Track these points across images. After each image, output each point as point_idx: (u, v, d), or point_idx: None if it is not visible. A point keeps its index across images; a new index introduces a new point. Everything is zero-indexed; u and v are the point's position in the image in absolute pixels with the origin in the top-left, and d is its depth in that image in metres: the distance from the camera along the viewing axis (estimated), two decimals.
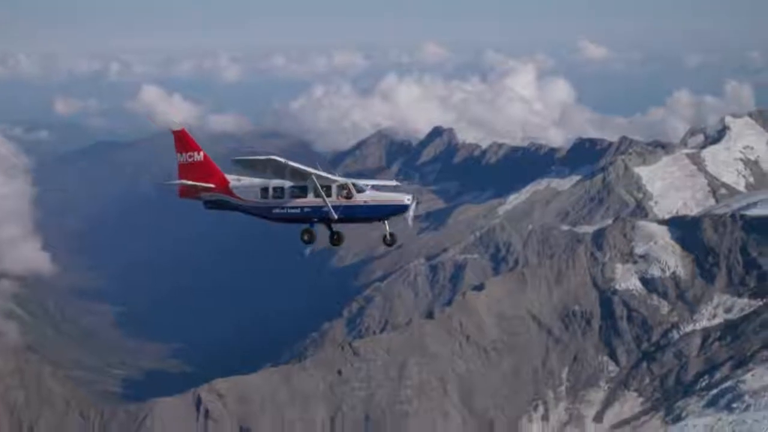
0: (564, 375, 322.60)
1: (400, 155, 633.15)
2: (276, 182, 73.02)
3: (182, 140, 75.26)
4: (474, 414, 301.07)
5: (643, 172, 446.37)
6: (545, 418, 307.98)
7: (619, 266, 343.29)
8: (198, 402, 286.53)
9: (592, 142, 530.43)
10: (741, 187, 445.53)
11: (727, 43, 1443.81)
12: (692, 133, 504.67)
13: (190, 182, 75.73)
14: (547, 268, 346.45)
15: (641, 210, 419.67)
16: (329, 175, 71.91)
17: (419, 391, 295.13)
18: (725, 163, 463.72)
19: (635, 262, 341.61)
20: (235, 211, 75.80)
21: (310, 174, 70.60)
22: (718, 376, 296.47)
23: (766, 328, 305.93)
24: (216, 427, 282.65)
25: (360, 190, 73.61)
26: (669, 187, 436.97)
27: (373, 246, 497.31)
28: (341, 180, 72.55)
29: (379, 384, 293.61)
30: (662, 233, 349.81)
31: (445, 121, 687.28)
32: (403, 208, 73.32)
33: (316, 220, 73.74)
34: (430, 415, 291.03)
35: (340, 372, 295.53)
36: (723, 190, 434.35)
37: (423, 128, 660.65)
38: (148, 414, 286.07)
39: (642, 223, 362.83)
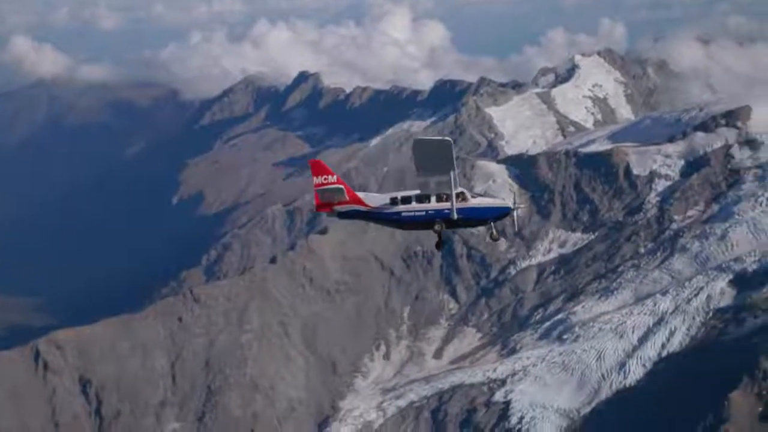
0: (406, 314, 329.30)
1: (268, 101, 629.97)
2: (403, 193, 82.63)
3: (318, 167, 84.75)
4: (317, 355, 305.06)
5: (494, 112, 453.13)
6: (387, 356, 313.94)
7: None
8: (37, 354, 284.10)
9: (453, 83, 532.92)
10: (589, 125, 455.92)
11: None
12: (543, 72, 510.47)
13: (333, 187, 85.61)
14: None
15: (492, 149, 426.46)
16: (456, 180, 78.95)
17: (260, 335, 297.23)
18: (574, 101, 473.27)
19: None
20: (364, 218, 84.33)
21: (455, 169, 77.88)
22: (551, 309, 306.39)
23: (597, 261, 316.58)
24: (55, 378, 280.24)
25: (473, 197, 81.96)
26: (519, 127, 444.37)
27: (240, 193, 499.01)
28: (458, 189, 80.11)
29: (219, 330, 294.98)
30: (500, 172, 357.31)
31: (317, 67, 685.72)
32: (507, 211, 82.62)
33: (438, 220, 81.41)
34: (271, 359, 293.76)
35: (180, 319, 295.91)
36: (571, 128, 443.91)
37: (292, 74, 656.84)
38: None
39: (481, 162, 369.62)
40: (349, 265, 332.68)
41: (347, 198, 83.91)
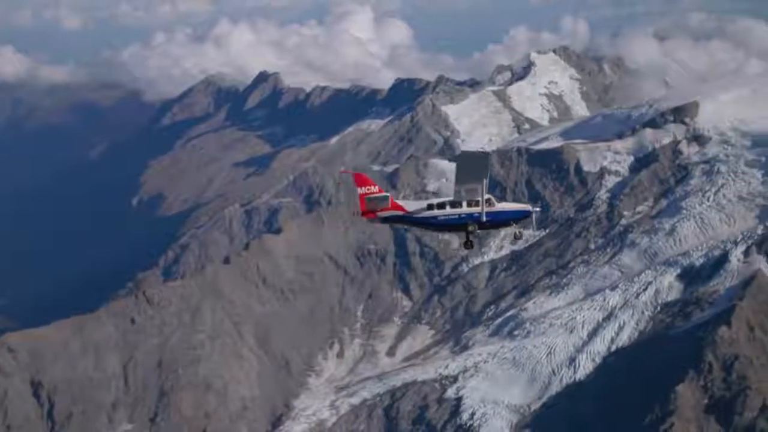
0: (359, 312, 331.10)
1: (228, 101, 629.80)
2: (438, 200, 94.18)
3: (362, 179, 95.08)
4: (270, 355, 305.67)
5: (450, 110, 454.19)
6: (340, 355, 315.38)
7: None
8: None
9: (411, 82, 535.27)
10: (545, 122, 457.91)
11: None
12: (500, 70, 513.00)
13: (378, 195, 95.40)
14: (344, 208, 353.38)
15: (449, 147, 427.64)
16: (486, 187, 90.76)
17: (213, 335, 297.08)
18: (530, 98, 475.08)
19: (427, 199, 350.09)
20: (404, 223, 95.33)
21: (487, 177, 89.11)
22: (503, 305, 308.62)
23: (548, 257, 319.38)
24: (7, 381, 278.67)
25: (498, 202, 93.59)
26: (476, 124, 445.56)
27: (200, 193, 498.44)
28: (487, 195, 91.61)
29: (172, 330, 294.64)
30: (452, 169, 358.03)
31: (280, 66, 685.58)
32: (528, 213, 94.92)
33: (470, 222, 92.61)
34: (224, 358, 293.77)
35: (133, 320, 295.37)
36: (527, 125, 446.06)
37: (254, 74, 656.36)
38: None
39: (433, 160, 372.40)
40: (302, 265, 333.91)
41: (389, 205, 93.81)
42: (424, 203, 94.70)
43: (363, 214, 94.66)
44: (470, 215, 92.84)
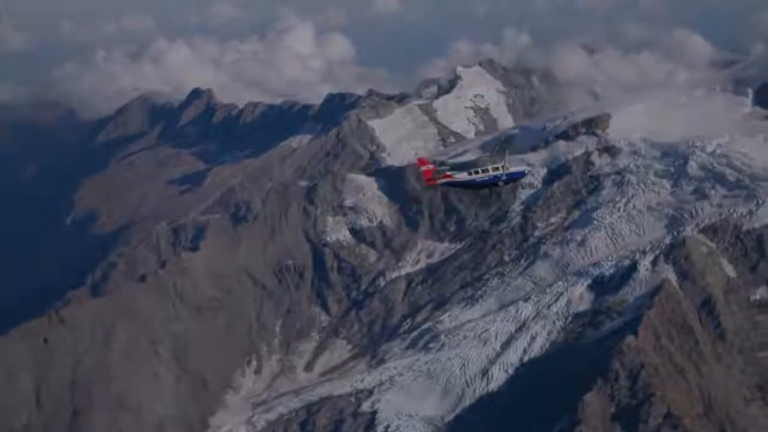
0: (277, 328, 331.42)
1: (162, 119, 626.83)
2: (474, 168, 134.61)
3: (423, 161, 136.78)
4: (187, 372, 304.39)
5: (376, 124, 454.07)
6: (258, 371, 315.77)
7: (329, 219, 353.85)
8: None
9: (342, 96, 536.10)
10: (471, 135, 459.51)
11: None
12: (426, 84, 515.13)
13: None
14: (262, 224, 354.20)
15: (375, 162, 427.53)
16: (506, 157, 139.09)
17: (128, 354, 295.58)
18: (456, 112, 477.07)
19: (345, 214, 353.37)
20: (455, 186, 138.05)
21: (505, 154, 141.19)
22: (419, 318, 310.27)
23: (464, 270, 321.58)
24: None
25: (509, 167, 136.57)
26: (401, 139, 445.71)
27: (134, 211, 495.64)
28: (502, 163, 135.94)
29: (85, 350, 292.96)
30: (370, 184, 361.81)
31: (217, 83, 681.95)
32: (526, 172, 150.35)
33: (498, 181, 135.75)
34: (140, 377, 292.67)
35: (46, 340, 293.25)
36: (452, 139, 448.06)
37: (188, 90, 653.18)
38: None
39: (351, 175, 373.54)
40: (220, 281, 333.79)
41: (443, 175, 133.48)
42: (465, 173, 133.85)
43: (427, 181, 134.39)
44: (495, 176, 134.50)
